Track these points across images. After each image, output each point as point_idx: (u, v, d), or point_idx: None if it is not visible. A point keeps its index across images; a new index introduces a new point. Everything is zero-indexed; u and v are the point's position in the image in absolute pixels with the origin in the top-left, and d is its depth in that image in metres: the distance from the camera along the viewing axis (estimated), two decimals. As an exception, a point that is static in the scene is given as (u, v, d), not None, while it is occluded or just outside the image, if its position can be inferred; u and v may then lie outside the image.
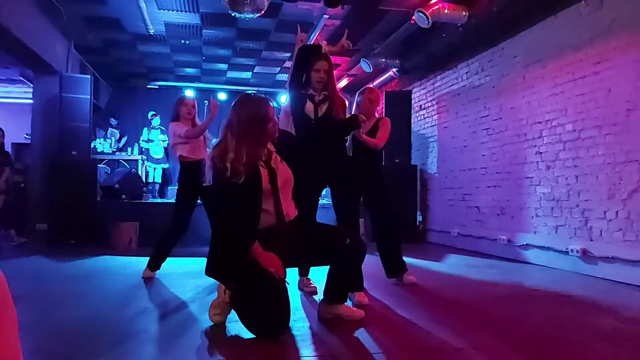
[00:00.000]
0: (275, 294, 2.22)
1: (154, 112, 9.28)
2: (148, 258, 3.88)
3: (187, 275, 3.95)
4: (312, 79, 3.11)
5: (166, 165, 9.37)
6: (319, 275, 3.30)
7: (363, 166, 3.63)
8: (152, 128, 9.23)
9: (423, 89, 7.72)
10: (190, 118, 3.95)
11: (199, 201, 3.92)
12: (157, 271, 3.86)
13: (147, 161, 9.18)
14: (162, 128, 9.19)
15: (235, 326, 2.41)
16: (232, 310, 2.43)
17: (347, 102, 3.36)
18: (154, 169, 9.16)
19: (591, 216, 4.29)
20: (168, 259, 3.91)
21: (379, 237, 3.68)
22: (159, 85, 9.91)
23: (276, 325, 2.21)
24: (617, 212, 4.03)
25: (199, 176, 3.83)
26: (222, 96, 10.01)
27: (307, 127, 3.13)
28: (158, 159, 9.18)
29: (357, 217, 3.34)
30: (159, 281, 3.68)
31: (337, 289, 2.56)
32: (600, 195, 4.21)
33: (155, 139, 9.18)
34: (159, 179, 9.21)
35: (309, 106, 3.12)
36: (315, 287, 3.33)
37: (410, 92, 7.57)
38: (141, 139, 9.28)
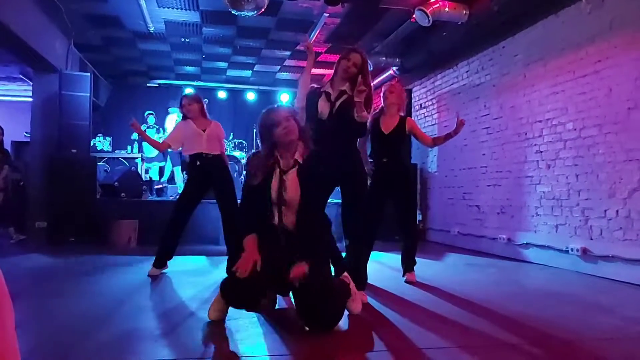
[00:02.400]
0: (232, 279, 2.36)
1: (150, 112, 9.22)
2: (147, 256, 3.88)
3: (186, 273, 3.94)
4: (340, 68, 2.97)
5: (162, 164, 9.30)
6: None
7: (387, 168, 3.65)
8: (148, 127, 9.19)
9: (423, 87, 7.72)
10: (191, 114, 3.95)
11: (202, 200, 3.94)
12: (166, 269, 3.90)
13: (144, 161, 9.18)
14: (157, 127, 9.16)
15: (235, 324, 2.41)
16: (232, 309, 2.45)
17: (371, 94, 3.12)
18: (152, 167, 9.14)
19: (591, 215, 4.29)
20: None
21: (401, 237, 3.93)
22: (158, 84, 9.90)
23: (230, 301, 2.40)
24: (617, 211, 4.03)
25: (202, 170, 3.88)
26: (222, 94, 10.00)
27: (319, 126, 2.96)
28: (151, 158, 9.16)
29: (362, 222, 3.13)
30: (159, 279, 3.67)
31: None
32: (600, 194, 4.20)
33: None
34: (155, 177, 9.17)
35: (323, 104, 2.98)
36: None
37: (410, 91, 7.57)
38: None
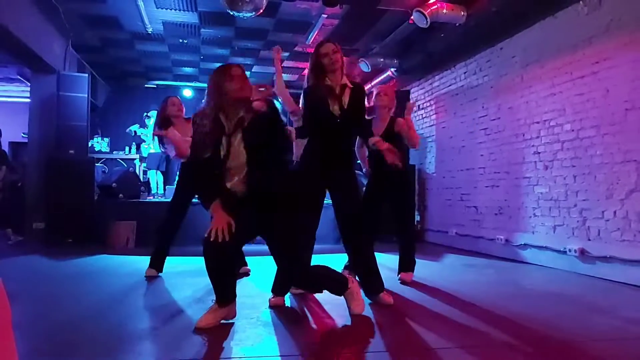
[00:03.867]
0: (206, 245, 2.30)
1: (147, 113, 9.19)
2: (145, 257, 3.87)
3: (183, 274, 3.94)
4: (326, 67, 2.87)
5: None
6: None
7: (380, 169, 3.64)
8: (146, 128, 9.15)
9: (421, 88, 7.73)
10: (181, 116, 3.91)
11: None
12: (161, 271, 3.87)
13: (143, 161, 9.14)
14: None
15: (233, 324, 2.41)
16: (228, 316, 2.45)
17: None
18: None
19: (589, 216, 4.30)
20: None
21: (398, 238, 3.92)
22: (156, 85, 9.89)
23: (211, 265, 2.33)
24: (615, 212, 4.04)
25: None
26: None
27: (331, 125, 2.87)
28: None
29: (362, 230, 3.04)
30: (156, 280, 3.67)
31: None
32: (598, 195, 4.21)
33: (147, 140, 9.11)
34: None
35: (332, 101, 2.88)
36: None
37: (408, 92, 7.58)
38: (142, 133, 9.16)
